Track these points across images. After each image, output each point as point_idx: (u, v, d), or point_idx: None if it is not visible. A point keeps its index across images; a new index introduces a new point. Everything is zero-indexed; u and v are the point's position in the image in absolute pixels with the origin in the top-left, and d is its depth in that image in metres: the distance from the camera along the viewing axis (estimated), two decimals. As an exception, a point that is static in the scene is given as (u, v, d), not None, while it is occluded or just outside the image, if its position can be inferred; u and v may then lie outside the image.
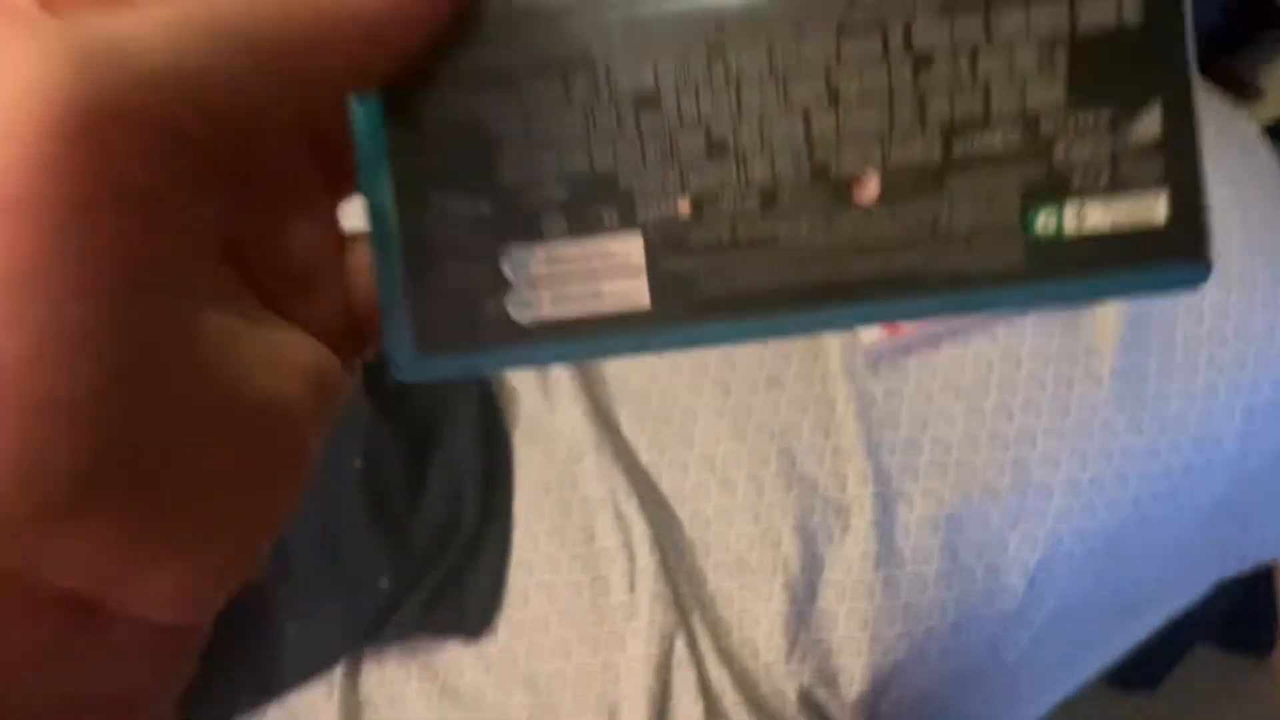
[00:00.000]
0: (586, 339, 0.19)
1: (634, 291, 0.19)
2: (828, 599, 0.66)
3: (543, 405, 0.71)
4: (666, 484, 0.69)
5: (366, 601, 0.66)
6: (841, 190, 0.18)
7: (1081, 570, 0.69)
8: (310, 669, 0.67)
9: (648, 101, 0.18)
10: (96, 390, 0.13)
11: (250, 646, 0.67)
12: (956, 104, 0.18)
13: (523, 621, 0.67)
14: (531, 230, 0.18)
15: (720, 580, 0.67)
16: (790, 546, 0.66)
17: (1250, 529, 0.85)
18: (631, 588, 0.66)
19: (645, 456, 0.70)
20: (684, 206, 0.18)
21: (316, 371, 0.17)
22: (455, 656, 0.68)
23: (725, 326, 0.19)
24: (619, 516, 0.68)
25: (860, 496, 0.66)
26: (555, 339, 0.19)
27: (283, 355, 0.16)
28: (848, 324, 0.19)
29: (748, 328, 0.19)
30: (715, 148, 0.18)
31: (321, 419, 0.17)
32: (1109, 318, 0.68)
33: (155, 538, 0.14)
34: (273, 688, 0.67)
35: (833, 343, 0.70)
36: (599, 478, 0.69)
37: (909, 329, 0.68)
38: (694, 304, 0.19)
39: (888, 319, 0.19)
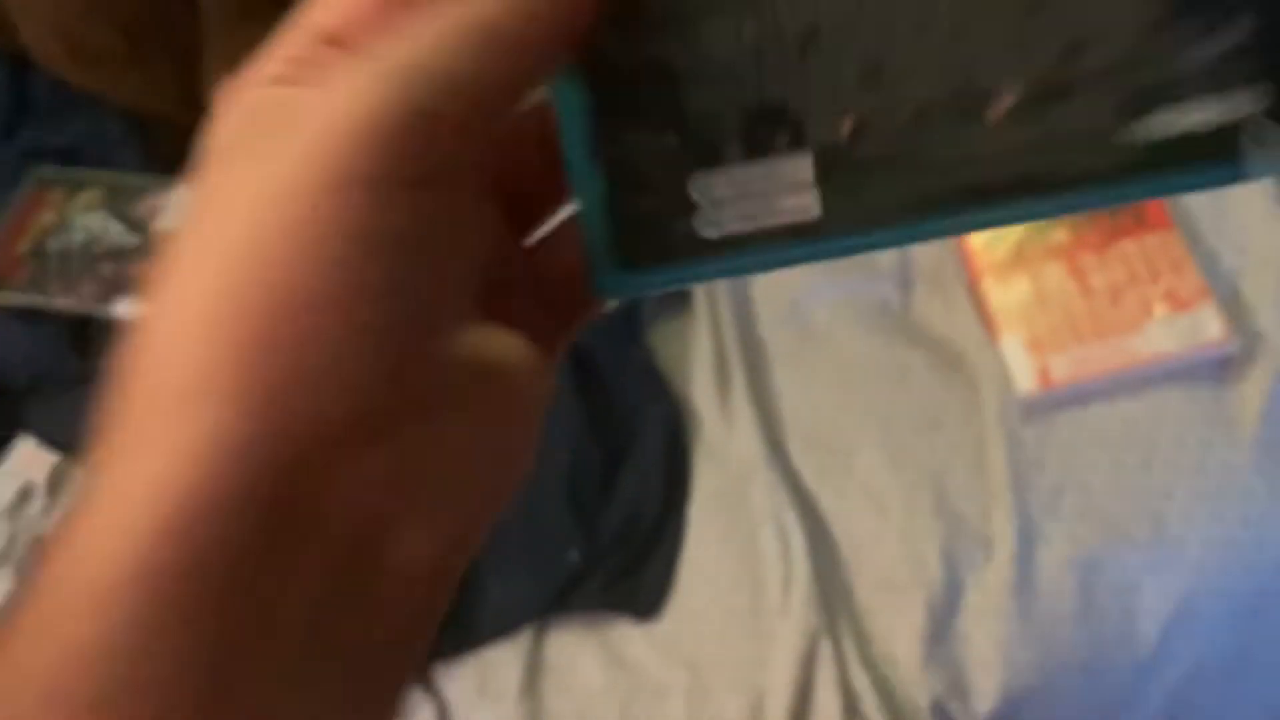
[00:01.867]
0: (766, 249, 0.22)
1: (806, 205, 0.21)
2: (966, 620, 0.72)
3: (722, 428, 0.82)
4: (825, 505, 0.78)
5: (557, 574, 0.78)
6: (980, 106, 0.20)
7: (1219, 634, 0.72)
8: (503, 628, 0.78)
9: (811, 37, 0.21)
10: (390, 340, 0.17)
11: (456, 601, 0.79)
12: (1074, 20, 0.20)
13: (688, 609, 0.77)
14: (713, 157, 0.21)
15: (867, 595, 0.75)
16: (935, 569, 0.73)
17: None
18: (786, 590, 0.75)
19: (809, 480, 0.79)
20: (846, 128, 0.21)
21: (529, 360, 0.20)
22: (627, 633, 0.77)
23: (885, 232, 0.21)
24: (780, 528, 0.77)
25: (1003, 532, 0.73)
26: (739, 251, 0.22)
27: (503, 344, 0.20)
28: (978, 226, 0.21)
29: (902, 232, 0.21)
30: (871, 74, 0.21)
31: (538, 403, 0.21)
32: (1253, 391, 0.73)
33: (419, 487, 0.18)
34: (469, 641, 0.78)
35: (990, 394, 0.77)
36: (766, 494, 0.78)
37: (1062, 386, 0.75)
38: (858, 213, 0.21)
39: (1011, 221, 0.21)
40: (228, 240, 0.17)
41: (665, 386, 0.85)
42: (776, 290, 0.87)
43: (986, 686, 0.71)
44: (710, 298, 0.88)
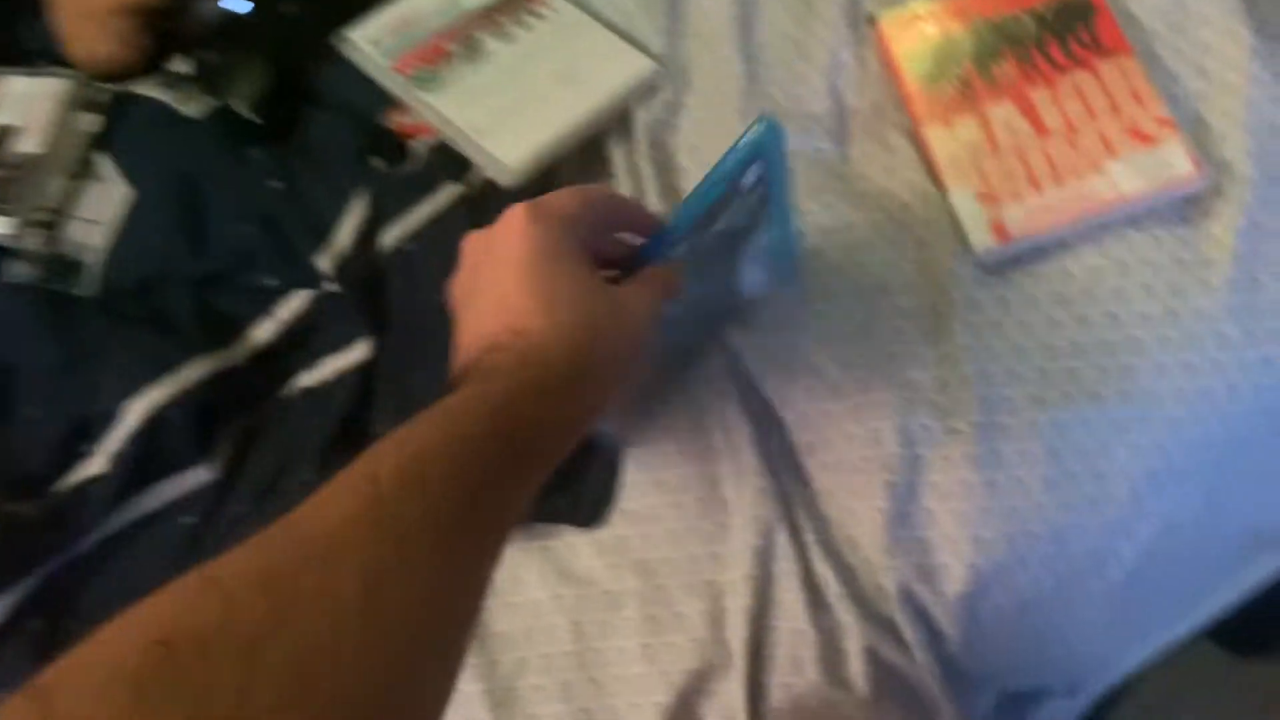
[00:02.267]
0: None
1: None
2: (929, 498, 0.67)
3: (657, 312, 0.75)
4: (771, 388, 0.72)
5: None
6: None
7: (1191, 486, 0.69)
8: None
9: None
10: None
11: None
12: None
13: (636, 512, 0.71)
14: None
15: (823, 479, 0.70)
16: (892, 447, 0.68)
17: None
18: (737, 483, 0.69)
19: (751, 364, 0.73)
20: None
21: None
22: (572, 544, 0.72)
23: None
24: (723, 417, 0.71)
25: (964, 401, 0.68)
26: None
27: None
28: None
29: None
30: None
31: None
32: (1222, 228, 0.68)
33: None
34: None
35: (941, 254, 0.71)
36: (707, 383, 0.72)
37: (1019, 239, 0.69)
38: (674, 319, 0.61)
39: None
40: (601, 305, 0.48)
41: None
42: (702, 150, 0.78)
43: (955, 566, 0.67)
44: (630, 160, 0.80)
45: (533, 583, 0.71)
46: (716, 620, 0.69)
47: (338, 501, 0.36)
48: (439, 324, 0.74)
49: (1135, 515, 0.68)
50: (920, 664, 0.68)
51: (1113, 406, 0.67)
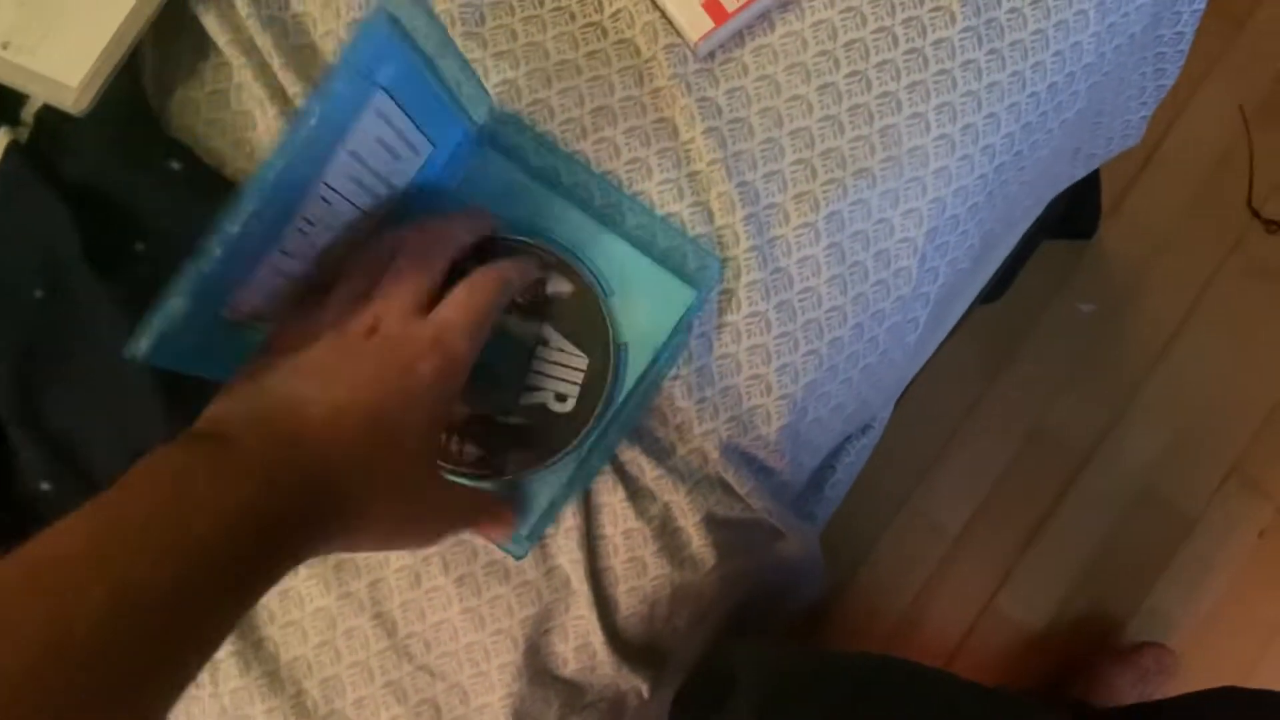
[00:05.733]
0: None
1: None
2: (724, 343, 0.59)
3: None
4: (513, 270, 0.59)
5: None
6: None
7: (966, 230, 0.64)
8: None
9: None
10: None
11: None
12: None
13: (401, 469, 0.59)
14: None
15: (603, 357, 0.60)
16: (670, 299, 0.58)
17: (1099, 130, 0.82)
18: (510, 396, 0.58)
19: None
20: None
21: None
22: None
23: None
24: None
25: (731, 225, 0.58)
26: None
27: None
28: None
29: None
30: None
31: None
32: (948, -58, 0.59)
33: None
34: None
35: (656, 54, 0.59)
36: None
37: (738, 13, 0.57)
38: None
39: None
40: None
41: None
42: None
43: (770, 403, 0.60)
44: (237, 33, 0.60)
45: (310, 591, 0.59)
46: (540, 555, 0.59)
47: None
48: (44, 321, 0.56)
49: (924, 279, 0.63)
50: (758, 509, 0.62)
51: (882, 178, 0.59)
